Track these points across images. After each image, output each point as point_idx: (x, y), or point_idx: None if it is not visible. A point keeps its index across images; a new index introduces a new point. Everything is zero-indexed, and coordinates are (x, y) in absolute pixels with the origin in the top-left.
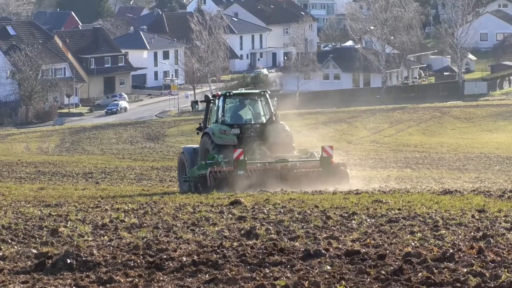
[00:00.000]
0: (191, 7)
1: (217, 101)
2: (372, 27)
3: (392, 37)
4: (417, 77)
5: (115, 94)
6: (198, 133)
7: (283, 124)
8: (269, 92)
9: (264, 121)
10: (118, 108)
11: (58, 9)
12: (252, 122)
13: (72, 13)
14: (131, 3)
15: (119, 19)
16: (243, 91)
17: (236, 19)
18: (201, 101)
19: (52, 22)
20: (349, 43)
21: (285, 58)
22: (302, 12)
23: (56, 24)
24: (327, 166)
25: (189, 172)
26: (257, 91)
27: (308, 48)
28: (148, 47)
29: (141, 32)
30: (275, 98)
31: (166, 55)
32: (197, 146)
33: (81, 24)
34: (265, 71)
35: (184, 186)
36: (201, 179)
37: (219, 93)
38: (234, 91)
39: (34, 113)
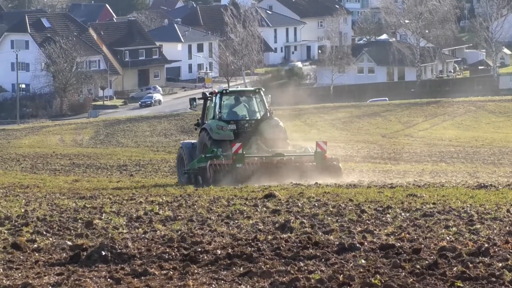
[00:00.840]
0: (226, 0)
1: (214, 98)
2: (406, 21)
3: (426, 31)
4: (452, 71)
5: (149, 86)
6: (196, 129)
7: (277, 120)
8: (263, 89)
9: (259, 117)
10: (152, 101)
11: (93, 2)
12: (248, 118)
13: (107, 5)
14: None
15: (154, 11)
16: (239, 88)
17: (270, 12)
18: (198, 98)
19: (87, 15)
20: (384, 36)
21: (319, 51)
22: (336, 5)
23: (90, 16)
24: (321, 160)
25: (189, 165)
26: (252, 88)
27: (342, 41)
28: (183, 40)
29: (175, 24)
30: (270, 95)
31: (200, 48)
32: (196, 141)
33: (115, 17)
34: (299, 64)
35: (183, 178)
36: (200, 171)
37: (216, 90)
38: (230, 89)
39: (68, 105)
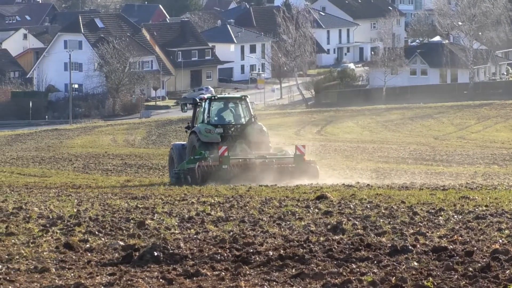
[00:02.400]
0: (279, 1)
1: (203, 103)
2: (460, 23)
3: (480, 33)
4: (505, 73)
5: (201, 87)
6: (186, 131)
7: (261, 124)
8: (248, 96)
9: (244, 122)
10: None
11: (146, 2)
12: (234, 122)
13: (160, 6)
14: None
15: (207, 12)
16: (227, 95)
17: (323, 14)
18: (189, 103)
19: (140, 15)
20: (437, 38)
21: (372, 53)
22: (389, 7)
23: (144, 17)
24: (299, 162)
25: (179, 166)
26: (238, 95)
27: (395, 43)
28: (235, 41)
29: (228, 25)
30: (254, 102)
31: (253, 49)
32: (185, 143)
33: (168, 17)
34: (351, 65)
35: (174, 178)
36: (190, 172)
37: (205, 96)
38: (218, 95)
39: (121, 106)
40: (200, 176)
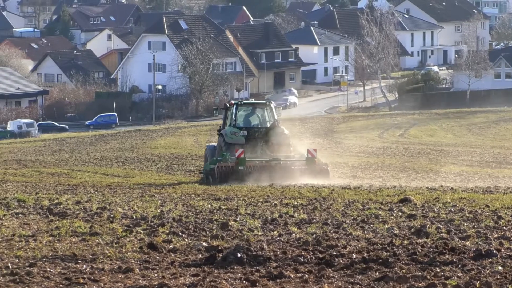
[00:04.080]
0: (362, 3)
1: (232, 108)
2: None
3: None
4: None
5: (284, 89)
6: (218, 134)
7: (283, 128)
8: (273, 103)
9: (268, 126)
10: (288, 103)
11: (230, 4)
12: (259, 126)
13: (244, 8)
14: None
15: (290, 14)
16: (252, 101)
17: (407, 16)
18: (220, 108)
19: (224, 17)
20: None
21: (456, 55)
22: (474, 10)
23: (227, 18)
24: (311, 165)
25: (204, 166)
26: (263, 101)
27: (479, 46)
28: (319, 43)
29: (311, 27)
30: (280, 107)
31: (336, 51)
32: (216, 144)
33: (252, 19)
34: (435, 68)
35: (203, 177)
36: (211, 172)
37: (233, 102)
38: (245, 101)
39: (204, 107)
40: (219, 176)
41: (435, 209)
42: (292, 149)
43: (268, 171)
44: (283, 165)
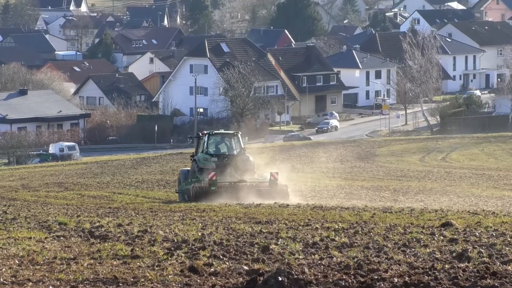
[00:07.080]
0: (404, 27)
1: (204, 137)
2: None
3: None
4: None
5: (326, 112)
6: (191, 159)
7: (248, 155)
8: (240, 133)
9: (235, 153)
10: (329, 127)
11: (271, 27)
12: (227, 153)
13: (286, 31)
14: (344, 22)
15: (332, 37)
16: (222, 131)
17: (449, 40)
18: (193, 137)
19: (266, 40)
20: None
21: (498, 79)
22: None
23: (269, 41)
24: (273, 186)
25: (180, 186)
26: (232, 132)
27: None
28: (360, 66)
29: (353, 51)
30: (246, 138)
31: (378, 75)
32: (189, 168)
33: (294, 42)
34: (477, 92)
35: (179, 196)
36: (187, 191)
37: (205, 132)
38: (215, 131)
39: (245, 130)
40: (194, 195)
41: (477, 234)
42: (256, 173)
43: (236, 191)
44: (249, 186)
